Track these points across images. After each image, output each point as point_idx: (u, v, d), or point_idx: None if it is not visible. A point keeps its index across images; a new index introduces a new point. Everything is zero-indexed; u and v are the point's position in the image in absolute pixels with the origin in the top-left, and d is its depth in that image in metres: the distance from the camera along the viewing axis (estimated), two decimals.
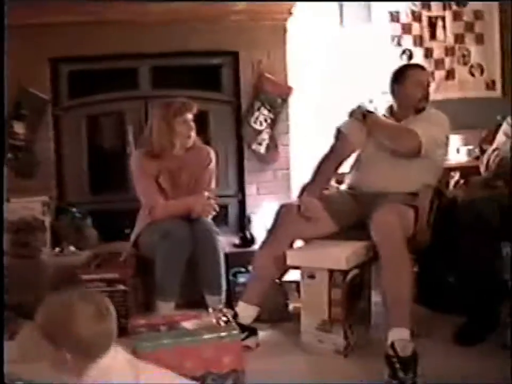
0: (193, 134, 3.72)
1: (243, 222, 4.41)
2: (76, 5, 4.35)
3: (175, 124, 3.65)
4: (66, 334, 1.76)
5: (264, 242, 3.44)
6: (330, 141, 3.59)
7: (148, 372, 1.95)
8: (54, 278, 3.88)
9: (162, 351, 2.52)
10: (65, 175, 4.54)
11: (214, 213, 3.65)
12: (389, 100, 3.66)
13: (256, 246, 4.06)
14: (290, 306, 3.67)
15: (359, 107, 3.57)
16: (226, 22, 4.50)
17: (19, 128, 4.38)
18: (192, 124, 3.71)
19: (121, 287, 3.47)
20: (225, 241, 3.88)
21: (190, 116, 3.70)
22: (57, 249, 4.16)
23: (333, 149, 3.54)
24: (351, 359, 3.08)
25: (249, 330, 3.17)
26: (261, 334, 3.31)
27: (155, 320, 2.77)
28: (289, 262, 3.24)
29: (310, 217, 3.31)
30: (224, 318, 2.72)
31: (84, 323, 1.77)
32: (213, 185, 3.78)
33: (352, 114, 3.53)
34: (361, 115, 3.48)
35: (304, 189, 3.47)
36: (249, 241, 4.14)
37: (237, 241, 4.16)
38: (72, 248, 4.14)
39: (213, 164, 3.80)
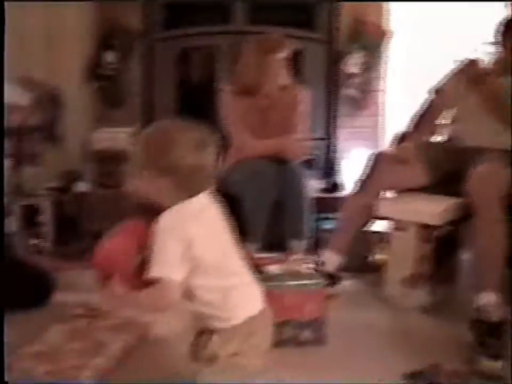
0: (285, 72, 3.55)
1: (331, 167, 4.31)
2: None
3: (267, 60, 3.49)
4: (166, 159, 1.73)
5: (355, 189, 3.34)
6: (427, 89, 3.44)
7: None
8: (137, 208, 3.90)
9: None
10: (153, 106, 4.51)
11: (305, 157, 3.55)
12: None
13: (343, 192, 3.98)
14: (373, 257, 3.59)
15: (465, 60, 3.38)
16: None
17: (109, 57, 4.37)
18: (285, 63, 3.54)
19: None
20: (312, 186, 3.77)
21: (283, 54, 3.52)
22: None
23: (431, 103, 3.40)
24: (435, 317, 2.97)
25: (333, 278, 3.11)
26: (343, 283, 3.25)
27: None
28: (381, 212, 3.15)
29: (406, 163, 3.19)
30: (310, 265, 2.67)
31: (183, 152, 1.73)
32: (304, 126, 3.65)
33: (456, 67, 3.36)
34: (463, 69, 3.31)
35: (399, 138, 3.35)
36: (336, 187, 4.04)
37: (324, 186, 4.07)
38: None
39: (305, 105, 3.66)
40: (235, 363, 1.82)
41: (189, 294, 1.79)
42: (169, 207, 1.76)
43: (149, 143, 1.77)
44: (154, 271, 1.72)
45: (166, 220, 1.74)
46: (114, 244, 1.83)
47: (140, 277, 1.76)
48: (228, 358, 1.81)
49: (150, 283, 1.73)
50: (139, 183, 1.79)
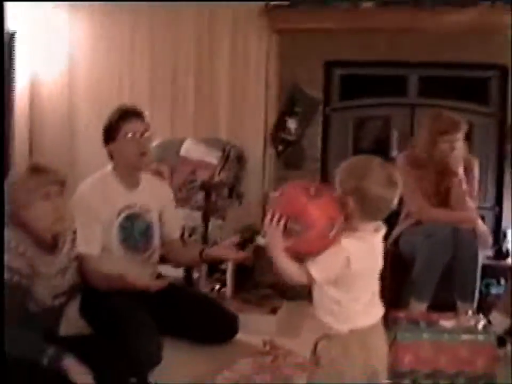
0: (454, 153, 3.69)
1: (498, 235, 4.43)
2: (349, 12, 4.65)
3: (439, 140, 3.69)
4: (358, 186, 2.01)
5: None
6: None
7: None
8: None
9: (421, 344, 2.71)
10: (329, 171, 4.83)
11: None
12: None
13: (509, 260, 4.09)
14: None
15: None
16: (497, 35, 4.51)
17: (292, 123, 4.77)
18: (457, 144, 3.69)
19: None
20: (480, 252, 3.92)
21: (457, 136, 3.69)
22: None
23: None
24: None
25: (500, 340, 3.21)
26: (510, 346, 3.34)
27: (414, 315, 2.95)
28: None
29: None
30: (482, 322, 2.82)
31: (374, 182, 2.01)
32: (475, 192, 3.84)
33: None
34: None
35: None
36: (503, 254, 4.16)
37: (491, 253, 4.19)
38: None
39: (475, 171, 3.85)
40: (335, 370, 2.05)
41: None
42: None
43: (350, 166, 2.08)
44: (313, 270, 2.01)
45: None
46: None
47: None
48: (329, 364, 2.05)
49: None
50: None
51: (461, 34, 4.51)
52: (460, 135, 3.70)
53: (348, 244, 2.01)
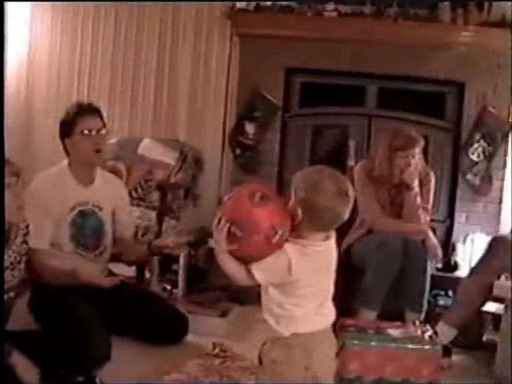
0: (411, 169, 3.75)
1: (448, 248, 4.51)
2: (313, 20, 4.71)
3: (396, 156, 3.76)
4: (308, 197, 2.03)
5: (473, 270, 3.54)
6: None
7: None
8: None
9: (368, 351, 2.74)
10: (286, 176, 4.84)
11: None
12: None
13: (458, 273, 4.17)
14: (484, 337, 3.72)
15: None
16: (454, 52, 4.61)
17: (250, 128, 4.79)
18: (412, 160, 3.75)
19: None
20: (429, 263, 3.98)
21: (413, 151, 3.75)
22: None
23: None
24: None
25: (445, 351, 3.27)
26: (454, 357, 3.40)
27: (363, 323, 2.99)
28: (496, 292, 3.32)
29: None
30: (429, 333, 2.87)
31: (324, 195, 2.02)
32: (430, 205, 3.90)
33: None
34: None
35: None
36: (452, 267, 4.24)
37: (440, 265, 4.26)
38: None
39: (431, 185, 3.92)
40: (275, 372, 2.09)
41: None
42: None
43: (303, 177, 2.09)
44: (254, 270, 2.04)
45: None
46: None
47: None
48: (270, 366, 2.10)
49: None
50: None
51: (421, 48, 4.59)
52: (416, 151, 3.77)
53: (291, 249, 2.04)
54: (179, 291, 4.05)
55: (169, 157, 4.61)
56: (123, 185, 3.69)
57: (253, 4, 4.73)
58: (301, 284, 2.06)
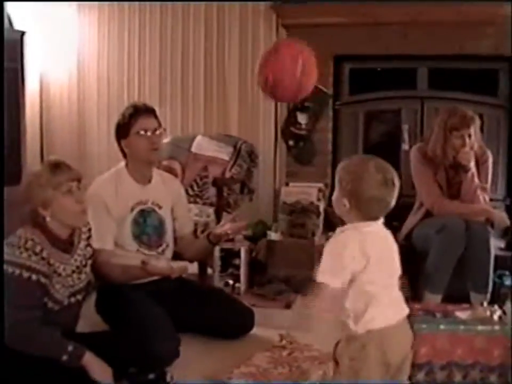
0: (466, 150, 3.73)
1: (510, 227, 4.43)
2: (357, 6, 4.66)
3: (451, 136, 3.74)
4: (354, 187, 2.06)
5: None
6: None
7: None
8: None
9: (437, 335, 2.72)
10: None
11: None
12: None
13: None
14: None
15: None
16: (502, 26, 4.50)
17: (302, 118, 4.79)
18: (469, 140, 3.73)
19: None
20: (492, 244, 3.93)
21: (468, 131, 3.73)
22: (330, 233, 4.46)
23: None
24: None
25: None
26: None
27: (431, 307, 2.96)
28: None
29: None
30: (498, 313, 2.83)
31: (369, 185, 2.05)
32: (488, 185, 3.86)
33: None
34: None
35: None
36: None
37: (502, 245, 4.20)
38: None
39: (488, 164, 3.87)
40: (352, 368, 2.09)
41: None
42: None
43: (347, 167, 2.12)
44: (320, 276, 2.04)
45: (344, 234, 2.10)
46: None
47: None
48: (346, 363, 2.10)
49: None
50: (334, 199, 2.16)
51: (468, 26, 4.51)
52: (472, 130, 3.72)
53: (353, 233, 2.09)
54: (241, 285, 4.08)
55: (223, 153, 4.64)
56: (179, 183, 3.73)
57: None
58: (371, 270, 2.06)
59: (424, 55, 4.68)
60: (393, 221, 4.23)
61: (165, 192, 3.41)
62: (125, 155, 3.30)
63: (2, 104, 4.07)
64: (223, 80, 5.11)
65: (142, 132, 3.19)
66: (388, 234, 2.20)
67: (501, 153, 4.64)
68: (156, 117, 3.28)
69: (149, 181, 3.34)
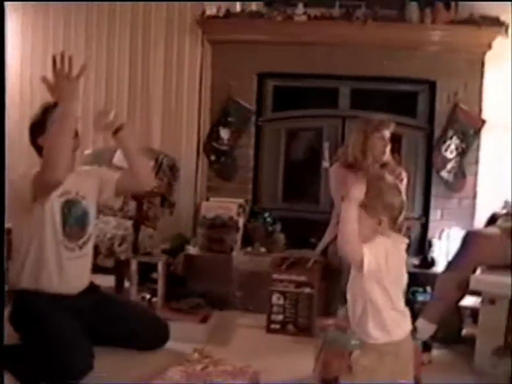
0: (387, 150, 3.91)
1: (424, 244, 4.55)
2: (283, 25, 4.74)
3: (371, 137, 3.87)
4: (382, 204, 2.21)
5: (449, 266, 3.59)
6: None
7: None
8: (243, 273, 4.23)
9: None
10: (261, 181, 4.92)
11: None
12: None
13: (435, 269, 4.20)
14: (463, 331, 3.75)
15: None
16: (424, 51, 4.68)
17: (225, 133, 4.80)
18: (387, 141, 3.89)
19: (308, 290, 3.74)
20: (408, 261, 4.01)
21: (387, 133, 3.89)
22: (249, 248, 4.49)
23: None
24: None
25: (425, 346, 3.30)
26: (434, 351, 3.42)
27: (342, 322, 2.99)
28: (472, 286, 3.35)
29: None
30: None
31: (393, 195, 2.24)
32: None
33: None
34: None
35: (490, 219, 3.58)
36: (429, 263, 4.27)
37: (417, 262, 4.30)
38: (262, 249, 4.46)
39: (404, 184, 3.95)
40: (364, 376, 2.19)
41: None
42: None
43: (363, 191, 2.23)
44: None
45: None
46: None
47: None
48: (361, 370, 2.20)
49: None
50: None
51: (391, 49, 4.65)
52: (388, 134, 3.89)
53: (383, 241, 2.22)
54: (158, 299, 4.03)
55: None
56: (105, 169, 3.74)
57: (223, 10, 4.74)
58: (391, 279, 2.22)
59: (346, 75, 4.77)
60: (311, 238, 4.35)
61: (90, 184, 3.35)
62: (41, 155, 3.17)
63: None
64: (146, 94, 5.09)
65: None
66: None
67: (418, 174, 4.75)
68: None
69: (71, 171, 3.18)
